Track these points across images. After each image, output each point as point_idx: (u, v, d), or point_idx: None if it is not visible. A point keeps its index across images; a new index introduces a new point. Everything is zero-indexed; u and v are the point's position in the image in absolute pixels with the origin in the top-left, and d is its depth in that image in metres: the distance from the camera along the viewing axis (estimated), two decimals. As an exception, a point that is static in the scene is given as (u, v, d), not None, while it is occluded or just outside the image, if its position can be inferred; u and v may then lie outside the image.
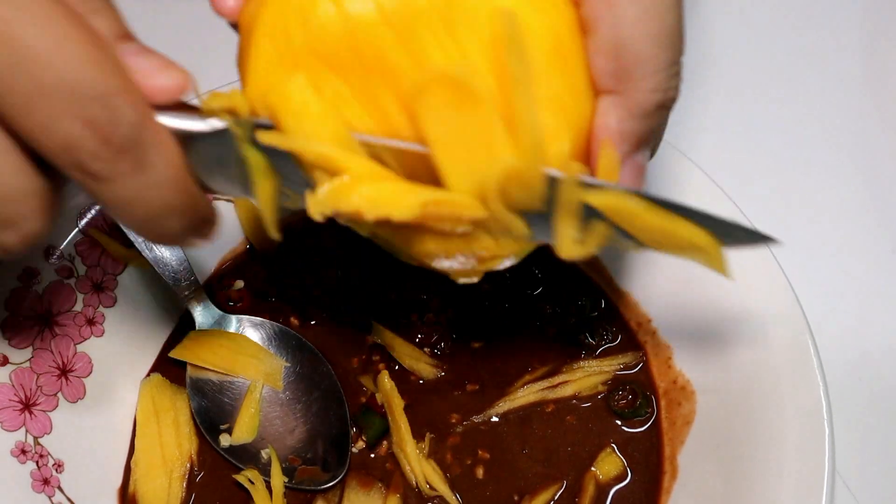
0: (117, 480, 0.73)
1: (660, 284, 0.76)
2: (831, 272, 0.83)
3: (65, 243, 0.73)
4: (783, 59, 0.95)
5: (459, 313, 0.78)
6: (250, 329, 0.77)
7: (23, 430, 0.69)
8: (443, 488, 0.72)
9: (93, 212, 0.74)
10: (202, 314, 0.76)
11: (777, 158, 0.89)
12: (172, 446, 0.73)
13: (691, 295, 0.74)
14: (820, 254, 0.84)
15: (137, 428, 0.74)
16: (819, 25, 0.97)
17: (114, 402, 0.74)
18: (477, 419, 0.75)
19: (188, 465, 0.73)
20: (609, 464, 0.73)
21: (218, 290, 0.79)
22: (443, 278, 0.76)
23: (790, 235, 0.79)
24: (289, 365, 0.76)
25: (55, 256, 0.73)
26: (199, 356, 0.75)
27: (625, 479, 0.73)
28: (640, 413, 0.74)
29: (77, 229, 0.74)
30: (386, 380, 0.74)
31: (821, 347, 0.67)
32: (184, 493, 0.73)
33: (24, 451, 0.68)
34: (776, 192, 0.87)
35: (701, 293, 0.73)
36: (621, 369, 0.76)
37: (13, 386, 0.69)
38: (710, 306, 0.72)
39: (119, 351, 0.75)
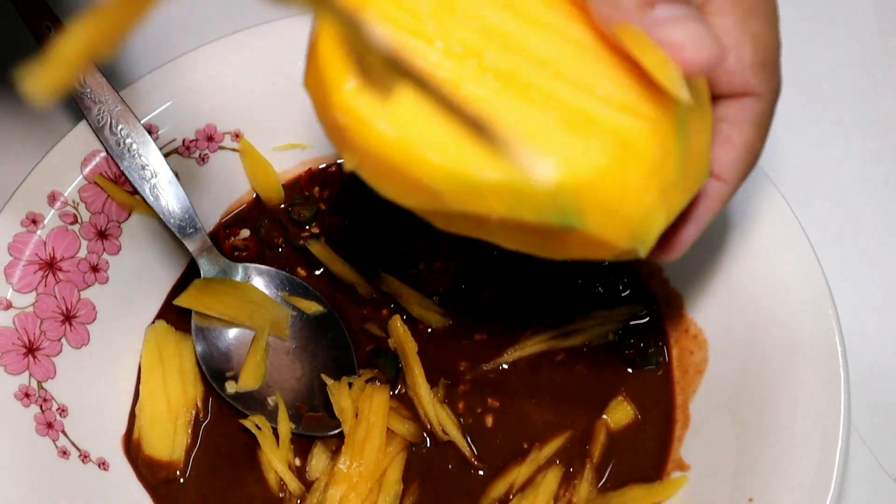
0: (122, 427, 0.72)
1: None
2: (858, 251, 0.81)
3: (69, 189, 0.72)
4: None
5: (468, 263, 0.77)
6: (256, 277, 0.76)
7: (26, 374, 0.68)
8: (455, 434, 0.71)
9: (98, 158, 0.73)
10: (207, 262, 0.75)
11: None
12: (177, 393, 0.72)
13: (705, 245, 0.73)
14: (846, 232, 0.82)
15: (142, 374, 0.73)
16: None
17: (118, 350, 0.74)
18: (486, 367, 0.74)
19: (193, 412, 0.72)
20: (620, 412, 0.72)
21: (223, 239, 0.78)
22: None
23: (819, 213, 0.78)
24: (295, 313, 0.75)
25: (59, 202, 0.71)
26: (204, 304, 0.74)
27: (636, 426, 0.72)
28: (652, 361, 0.73)
29: (81, 176, 0.73)
30: (398, 323, 0.73)
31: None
32: (189, 440, 0.72)
33: (27, 395, 0.68)
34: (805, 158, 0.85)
35: (715, 243, 0.72)
36: (632, 319, 0.75)
37: (17, 330, 0.68)
38: (724, 257, 0.71)
39: (123, 299, 0.74)
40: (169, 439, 0.71)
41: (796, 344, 0.66)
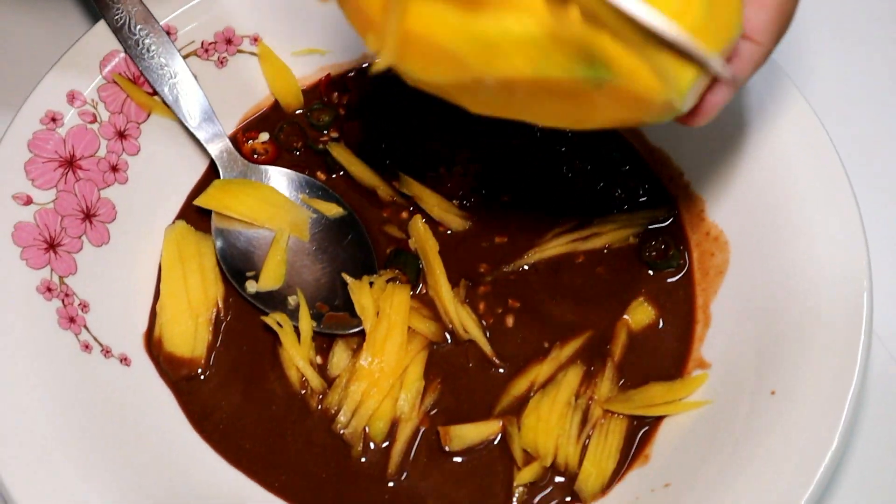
0: (143, 324, 0.72)
1: (693, 138, 0.75)
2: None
3: (88, 89, 0.72)
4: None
5: (488, 167, 0.77)
6: (276, 180, 0.76)
7: (48, 268, 0.68)
8: (476, 333, 0.71)
9: (117, 58, 0.73)
10: (227, 164, 0.75)
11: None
12: (198, 291, 0.72)
13: (726, 148, 0.73)
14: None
15: (162, 273, 0.73)
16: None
17: (138, 249, 0.74)
18: (506, 269, 0.74)
19: (214, 310, 0.73)
20: (641, 313, 0.72)
21: (242, 142, 0.78)
22: (471, 133, 0.76)
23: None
24: (315, 216, 0.75)
25: (78, 101, 0.71)
26: (224, 204, 0.74)
27: (657, 327, 0.72)
28: (672, 264, 0.73)
29: (100, 75, 0.72)
30: (420, 223, 0.73)
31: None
32: (210, 337, 0.72)
33: (49, 289, 0.68)
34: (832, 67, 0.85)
35: (736, 146, 0.72)
36: (653, 222, 0.75)
37: (38, 225, 0.68)
38: (745, 159, 0.72)
39: (143, 199, 0.74)
40: (190, 337, 0.71)
41: (819, 240, 0.66)
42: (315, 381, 0.70)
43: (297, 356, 0.70)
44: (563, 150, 0.78)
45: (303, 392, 0.70)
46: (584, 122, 0.49)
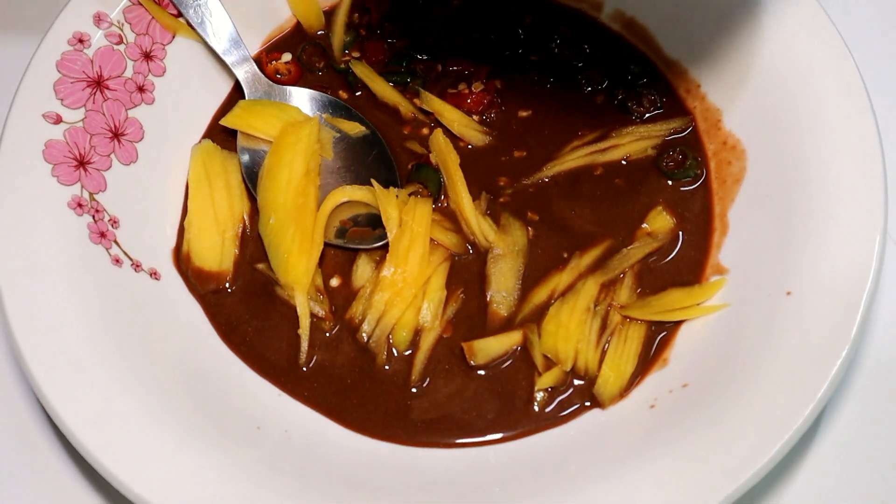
0: (171, 240, 0.74)
1: (710, 50, 0.75)
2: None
3: (115, 11, 0.73)
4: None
5: (507, 83, 0.78)
6: (299, 99, 0.77)
7: (78, 185, 0.70)
8: (497, 240, 0.72)
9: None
10: (251, 85, 0.76)
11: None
12: (224, 207, 0.74)
13: (741, 58, 0.73)
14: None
15: (190, 190, 0.75)
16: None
17: (166, 167, 0.75)
18: (526, 182, 0.75)
19: (241, 226, 0.74)
20: (660, 222, 0.73)
21: (265, 63, 0.79)
22: (491, 50, 0.77)
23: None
24: (338, 134, 0.76)
25: (105, 23, 0.73)
26: (249, 124, 0.75)
27: (675, 235, 0.73)
28: (690, 174, 0.74)
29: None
30: (441, 137, 0.74)
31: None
32: (238, 251, 0.73)
33: (80, 205, 0.69)
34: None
35: (751, 55, 0.73)
36: (670, 134, 0.76)
37: (67, 143, 0.70)
38: (763, 69, 0.72)
39: (170, 119, 0.76)
40: (217, 251, 0.73)
41: (834, 144, 0.67)
42: (320, 311, 0.71)
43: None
44: (581, 64, 0.79)
45: (320, 313, 0.72)
46: None
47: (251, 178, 0.74)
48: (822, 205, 0.66)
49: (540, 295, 0.72)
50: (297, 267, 0.71)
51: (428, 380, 0.70)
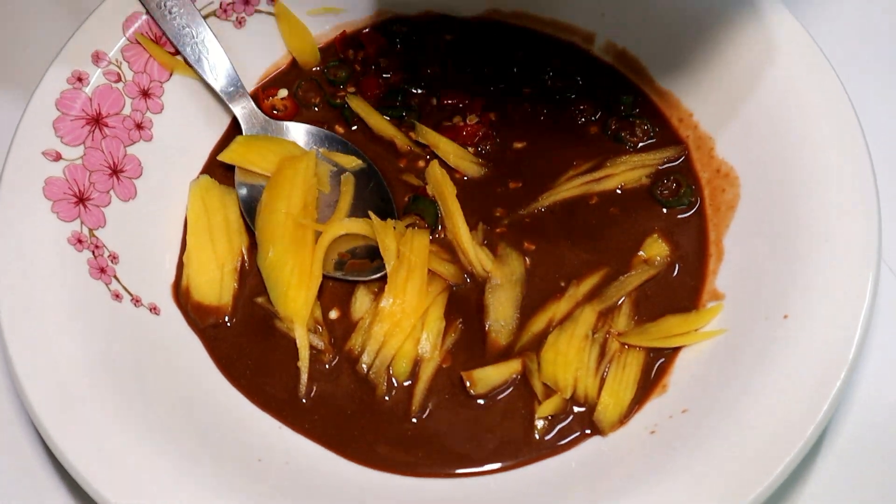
0: (171, 275, 0.74)
1: (701, 79, 0.76)
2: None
3: (113, 49, 0.74)
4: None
5: (501, 115, 0.79)
6: (296, 134, 0.78)
7: (78, 221, 0.70)
8: (495, 270, 0.73)
9: (140, 20, 0.75)
10: (249, 120, 0.77)
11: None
12: (223, 242, 0.74)
13: (732, 87, 0.74)
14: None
15: (188, 226, 0.75)
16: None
17: (164, 203, 0.76)
18: (522, 212, 0.76)
19: (239, 260, 0.74)
20: (655, 249, 0.74)
21: (262, 99, 0.80)
22: (484, 83, 0.78)
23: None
24: (335, 168, 0.77)
25: (103, 61, 0.73)
26: (247, 159, 0.76)
27: (671, 263, 0.73)
28: (685, 201, 0.75)
29: (124, 36, 0.75)
30: (437, 168, 0.75)
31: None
32: (237, 285, 0.74)
33: (80, 241, 0.70)
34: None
35: (742, 84, 0.74)
36: (664, 162, 0.76)
37: (67, 180, 0.71)
38: (754, 96, 0.73)
39: (168, 155, 0.76)
40: (216, 285, 0.73)
41: (826, 169, 0.68)
42: (319, 343, 0.72)
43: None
44: (573, 96, 0.79)
45: (319, 345, 0.72)
46: None
47: (249, 212, 0.75)
48: (817, 228, 0.66)
49: (538, 324, 0.72)
50: (296, 300, 0.71)
51: (428, 410, 0.70)
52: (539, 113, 0.79)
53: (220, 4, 0.78)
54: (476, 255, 0.73)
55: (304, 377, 0.70)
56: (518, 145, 0.79)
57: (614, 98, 0.79)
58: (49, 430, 0.62)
